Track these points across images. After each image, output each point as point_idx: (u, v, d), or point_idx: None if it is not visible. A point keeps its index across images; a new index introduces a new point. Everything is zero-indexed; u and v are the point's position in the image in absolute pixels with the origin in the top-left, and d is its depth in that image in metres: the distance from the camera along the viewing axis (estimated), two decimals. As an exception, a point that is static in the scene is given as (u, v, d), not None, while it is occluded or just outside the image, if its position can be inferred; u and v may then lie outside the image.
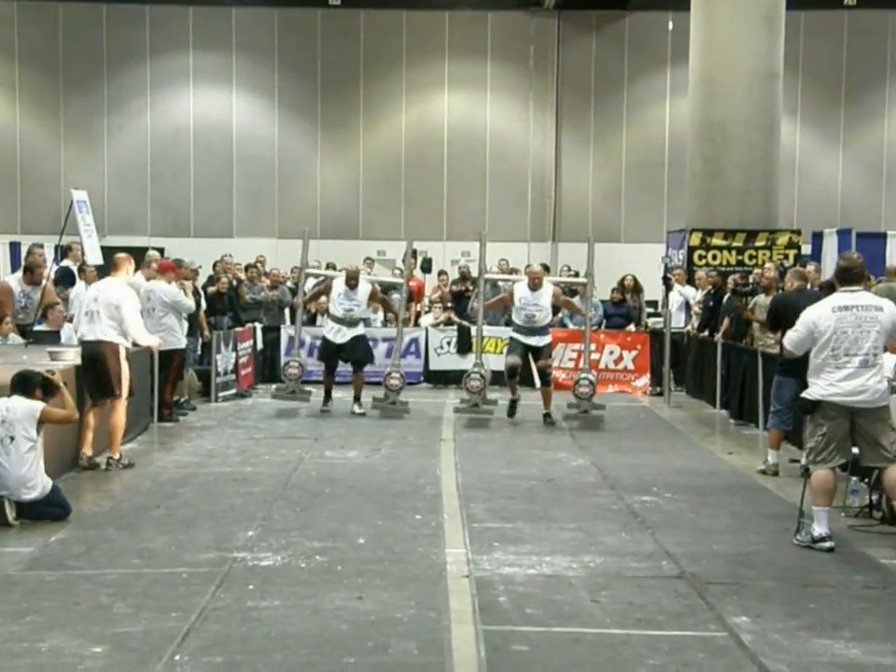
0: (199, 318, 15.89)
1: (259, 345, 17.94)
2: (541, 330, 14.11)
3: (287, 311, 19.12)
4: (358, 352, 14.82)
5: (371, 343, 15.69)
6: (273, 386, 16.30)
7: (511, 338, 14.44)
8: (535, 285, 14.04)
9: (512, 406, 14.37)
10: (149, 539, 8.00)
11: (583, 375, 14.27)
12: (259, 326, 17.88)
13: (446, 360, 18.15)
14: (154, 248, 20.55)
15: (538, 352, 14.16)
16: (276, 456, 11.50)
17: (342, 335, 14.67)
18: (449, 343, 18.09)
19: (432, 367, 18.10)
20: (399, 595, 6.68)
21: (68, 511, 8.64)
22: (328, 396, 14.96)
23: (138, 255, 16.04)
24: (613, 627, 6.22)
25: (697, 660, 5.76)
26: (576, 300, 16.34)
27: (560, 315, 17.79)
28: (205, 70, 28.26)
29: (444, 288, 19.77)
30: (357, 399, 14.76)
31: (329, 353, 14.89)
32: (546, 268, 20.51)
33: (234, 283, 17.90)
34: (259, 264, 20.01)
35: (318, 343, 15.81)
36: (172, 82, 28.21)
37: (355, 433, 13.12)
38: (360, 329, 14.91)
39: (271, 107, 28.40)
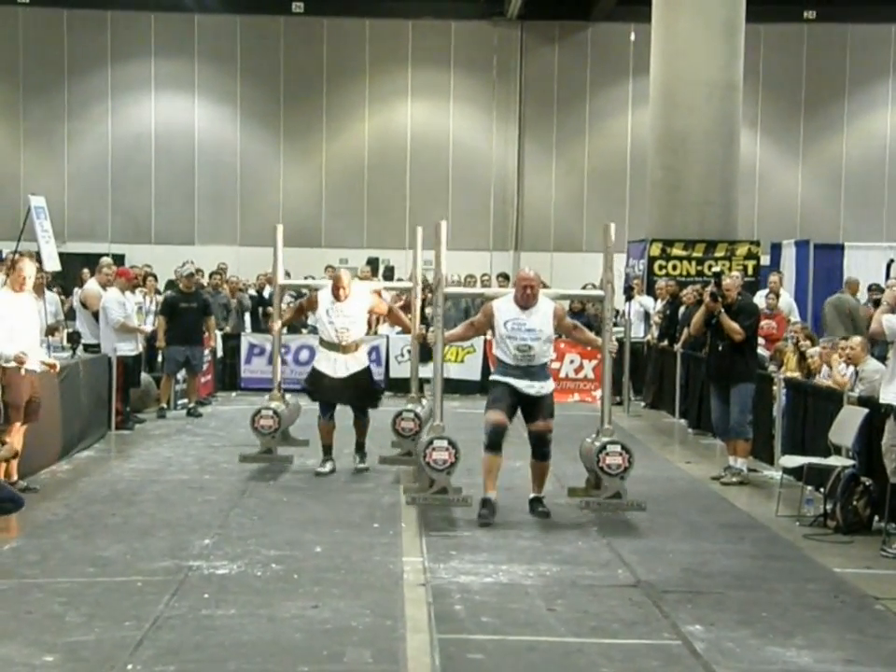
0: (209, 324, 15.84)
1: (219, 353, 17.87)
2: (540, 371, 9.23)
3: (247, 316, 19.05)
4: (359, 393, 11.06)
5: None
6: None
7: (495, 382, 9.31)
8: (527, 299, 9.18)
9: (487, 507, 9.04)
10: (104, 547, 7.94)
11: (608, 439, 9.56)
12: (218, 333, 17.81)
13: (407, 368, 18.10)
14: (115, 255, 20.55)
15: (533, 406, 9.19)
16: (234, 465, 11.42)
17: (338, 367, 10.89)
18: (410, 352, 18.05)
19: (393, 375, 18.04)
20: (355, 604, 6.67)
21: (20, 504, 8.51)
22: (326, 452, 11.15)
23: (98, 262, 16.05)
24: (568, 635, 6.24)
25: (651, 668, 5.79)
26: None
27: None
28: (167, 76, 28.17)
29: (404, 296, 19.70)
30: (359, 447, 11.30)
31: (324, 389, 10.97)
32: (506, 278, 20.42)
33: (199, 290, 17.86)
34: (221, 272, 19.96)
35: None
36: (133, 88, 28.12)
37: (314, 442, 13.05)
38: (362, 359, 11.11)
39: (233, 114, 28.34)
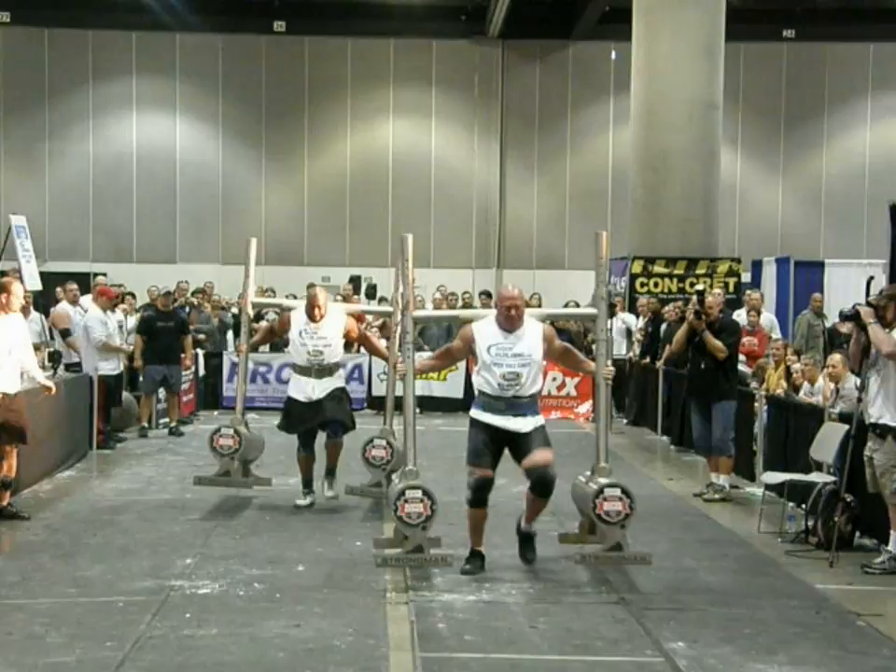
0: (185, 343, 15.68)
1: (201, 372, 17.83)
2: (528, 404, 8.06)
3: (229, 334, 19.02)
4: (333, 411, 10.27)
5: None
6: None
7: (475, 422, 8.13)
8: (511, 322, 8.03)
9: (475, 560, 8.16)
10: (85, 567, 7.91)
11: (605, 482, 8.06)
12: (200, 352, 17.76)
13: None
14: (96, 274, 20.50)
15: (524, 440, 8.02)
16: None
17: (312, 390, 10.24)
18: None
19: (375, 393, 18.02)
20: (337, 623, 6.66)
21: None
22: (307, 483, 10.50)
23: (80, 281, 16.04)
24: (551, 653, 6.24)
25: (633, 685, 5.80)
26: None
27: None
28: (149, 95, 28.17)
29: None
30: (329, 472, 10.49)
31: (300, 420, 10.36)
32: (489, 295, 20.42)
33: (187, 309, 17.82)
34: (206, 290, 19.96)
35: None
36: (115, 107, 28.10)
37: (296, 460, 13.03)
38: (338, 380, 10.43)
39: (215, 133, 28.35)
